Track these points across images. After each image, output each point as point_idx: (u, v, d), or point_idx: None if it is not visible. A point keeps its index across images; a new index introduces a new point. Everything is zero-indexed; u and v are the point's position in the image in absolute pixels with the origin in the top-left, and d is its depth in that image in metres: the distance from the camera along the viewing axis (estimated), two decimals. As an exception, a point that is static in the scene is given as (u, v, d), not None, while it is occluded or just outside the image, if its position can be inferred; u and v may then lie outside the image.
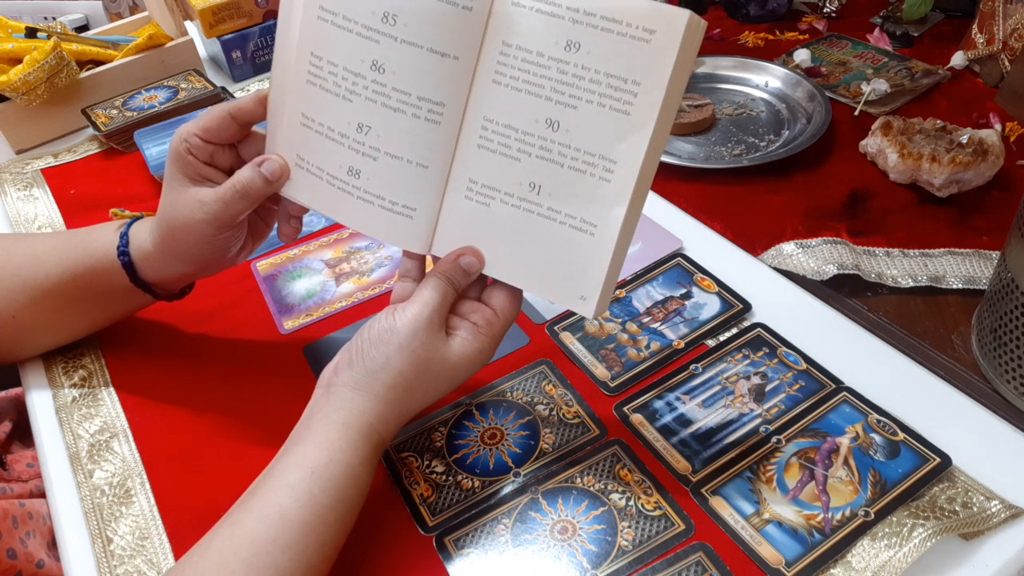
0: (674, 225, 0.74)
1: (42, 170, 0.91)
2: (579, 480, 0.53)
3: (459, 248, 0.49)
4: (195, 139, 0.51)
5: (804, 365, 0.59)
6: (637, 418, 0.57)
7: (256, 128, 0.54)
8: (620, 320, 0.65)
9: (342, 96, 0.48)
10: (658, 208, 0.77)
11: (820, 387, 0.57)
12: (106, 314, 0.63)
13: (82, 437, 0.60)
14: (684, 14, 0.41)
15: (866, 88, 0.90)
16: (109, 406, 0.62)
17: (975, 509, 0.48)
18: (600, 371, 0.61)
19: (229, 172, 0.53)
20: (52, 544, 0.60)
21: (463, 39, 0.45)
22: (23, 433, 0.74)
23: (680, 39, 0.41)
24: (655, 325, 0.64)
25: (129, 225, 0.58)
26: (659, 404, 0.58)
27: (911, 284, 0.67)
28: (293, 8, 0.48)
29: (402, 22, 0.45)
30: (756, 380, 0.58)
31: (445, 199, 0.49)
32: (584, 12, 0.43)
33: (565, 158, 0.45)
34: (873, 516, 0.49)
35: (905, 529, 0.47)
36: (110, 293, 0.59)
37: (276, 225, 0.57)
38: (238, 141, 0.54)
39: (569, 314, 0.66)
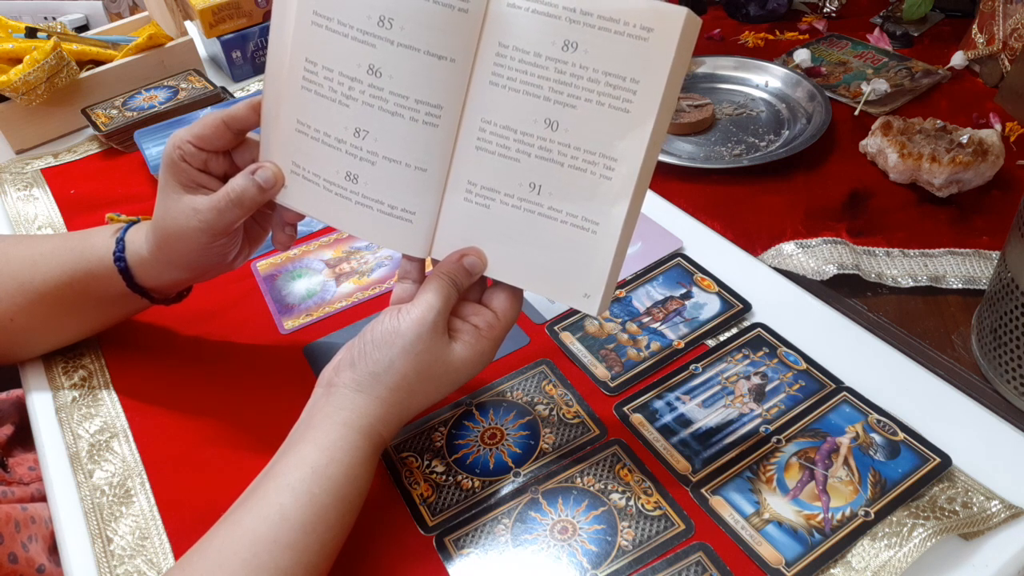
0: (674, 225, 0.74)
1: (42, 170, 0.91)
2: (579, 480, 0.53)
3: (462, 249, 0.49)
4: (189, 146, 0.51)
5: (804, 365, 0.59)
6: (637, 418, 0.57)
7: (251, 135, 0.53)
8: (620, 320, 0.65)
9: (338, 101, 0.48)
10: (658, 208, 0.77)
11: (820, 387, 0.57)
12: (104, 318, 0.63)
13: (82, 437, 0.60)
14: (681, 12, 0.42)
15: (866, 88, 0.90)
16: (109, 406, 0.62)
17: (975, 509, 0.48)
18: (600, 371, 0.61)
19: (224, 179, 0.53)
20: (53, 548, 0.60)
21: (459, 41, 0.45)
22: (24, 436, 0.74)
23: (678, 37, 0.42)
24: (655, 325, 0.64)
25: (125, 230, 0.58)
26: (659, 404, 0.58)
27: (911, 284, 0.67)
28: (286, 14, 0.48)
29: (398, 25, 0.45)
30: (756, 380, 0.58)
31: (444, 201, 0.49)
32: (581, 12, 0.43)
33: (565, 157, 0.46)
34: (873, 516, 0.49)
35: (905, 529, 0.47)
36: (107, 297, 0.59)
37: (271, 232, 0.57)
38: (232, 148, 0.53)
39: (569, 314, 0.66)
